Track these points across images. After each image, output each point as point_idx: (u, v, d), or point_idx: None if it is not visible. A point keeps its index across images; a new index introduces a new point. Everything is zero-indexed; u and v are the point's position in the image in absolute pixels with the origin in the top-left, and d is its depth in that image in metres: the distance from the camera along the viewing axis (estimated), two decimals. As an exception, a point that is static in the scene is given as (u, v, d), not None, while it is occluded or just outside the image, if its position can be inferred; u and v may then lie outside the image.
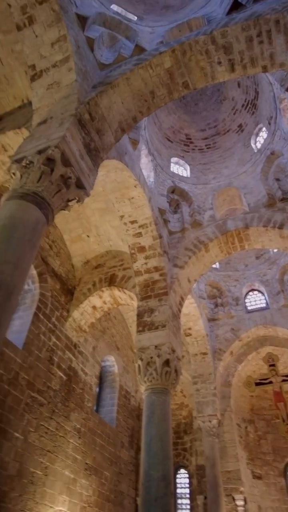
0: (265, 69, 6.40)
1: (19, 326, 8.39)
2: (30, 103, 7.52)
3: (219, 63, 6.65)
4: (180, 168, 12.47)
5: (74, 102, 5.90)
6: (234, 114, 13.00)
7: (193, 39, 6.51)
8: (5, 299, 3.36)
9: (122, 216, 9.21)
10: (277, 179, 10.14)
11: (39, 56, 6.36)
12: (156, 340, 8.03)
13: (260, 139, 11.55)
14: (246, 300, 13.84)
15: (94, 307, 10.39)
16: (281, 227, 9.14)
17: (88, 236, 10.53)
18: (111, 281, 10.14)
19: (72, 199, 5.05)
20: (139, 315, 8.67)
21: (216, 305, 13.65)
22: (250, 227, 9.55)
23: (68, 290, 10.16)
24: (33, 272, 8.78)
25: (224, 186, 11.35)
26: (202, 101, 13.61)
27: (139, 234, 9.33)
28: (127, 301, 10.39)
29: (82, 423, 9.73)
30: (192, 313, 12.27)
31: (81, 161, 5.44)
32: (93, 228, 10.40)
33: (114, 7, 9.02)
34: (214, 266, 14.38)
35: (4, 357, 7.44)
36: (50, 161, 4.76)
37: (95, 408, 11.12)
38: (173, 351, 8.02)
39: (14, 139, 7.11)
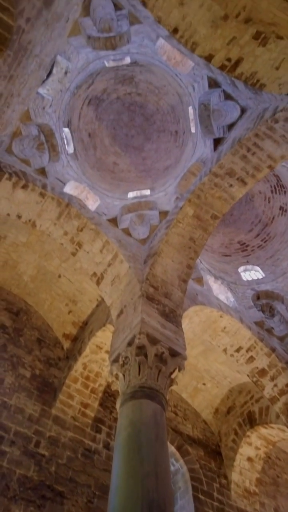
0: (270, 167, 6.92)
1: (186, 521, 7.43)
2: (103, 299, 8.63)
3: (231, 185, 7.37)
4: (251, 273, 12.41)
5: (136, 284, 6.66)
6: (269, 202, 13.46)
7: (199, 183, 7.48)
8: (162, 521, 3.14)
9: (225, 350, 8.91)
10: None
11: (95, 264, 7.61)
12: None
13: (307, 209, 11.49)
14: None
15: (249, 459, 9.06)
16: None
17: (204, 384, 10.09)
18: (251, 421, 9.07)
19: (174, 371, 5.14)
20: (304, 449, 7.33)
21: None
22: None
23: (213, 452, 9.18)
24: (171, 449, 8.27)
25: (302, 266, 10.85)
26: (234, 209, 14.47)
27: (251, 359, 8.76)
28: (279, 435, 8.99)
29: None
30: None
31: (165, 330, 5.74)
32: (204, 374, 10.04)
33: (130, 194, 10.97)
34: None
35: None
36: (141, 348, 5.10)
37: None
38: None
39: (103, 336, 7.88)
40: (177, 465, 8.26)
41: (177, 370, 5.19)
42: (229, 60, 6.52)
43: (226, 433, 9.56)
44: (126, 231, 8.54)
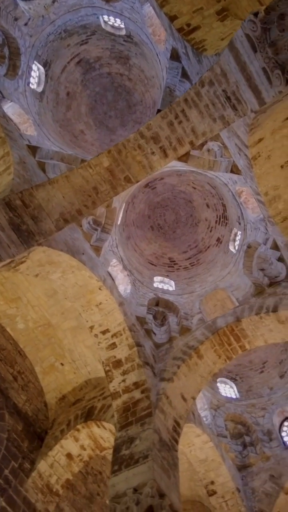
0: (192, 144, 6.72)
1: None
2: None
3: (153, 153, 7.07)
4: (165, 285, 11.95)
5: (7, 193, 6.04)
6: (210, 231, 13.34)
7: (125, 140, 7.17)
8: None
9: (91, 327, 8.17)
10: (262, 269, 9.37)
11: (-16, 170, 6.97)
12: (135, 480, 5.67)
13: (238, 242, 11.37)
14: (282, 433, 10.65)
15: (69, 456, 7.96)
16: (275, 310, 7.83)
17: (62, 364, 9.13)
18: (88, 415, 8.12)
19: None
20: (116, 450, 6.52)
21: (245, 446, 10.43)
22: (241, 319, 8.22)
23: (35, 434, 8.06)
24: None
25: (210, 290, 10.52)
26: (179, 228, 14.29)
27: (113, 345, 8.04)
28: (110, 441, 8.01)
29: None
30: (211, 457, 9.28)
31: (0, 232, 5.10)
32: (66, 353, 9.13)
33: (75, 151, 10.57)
34: (232, 396, 11.83)
35: None
36: None
37: None
38: (162, 495, 5.50)
39: None
40: (-19, 425, 7.12)
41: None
42: (188, 25, 6.51)
43: (61, 422, 8.51)
44: (41, 165, 8.03)
